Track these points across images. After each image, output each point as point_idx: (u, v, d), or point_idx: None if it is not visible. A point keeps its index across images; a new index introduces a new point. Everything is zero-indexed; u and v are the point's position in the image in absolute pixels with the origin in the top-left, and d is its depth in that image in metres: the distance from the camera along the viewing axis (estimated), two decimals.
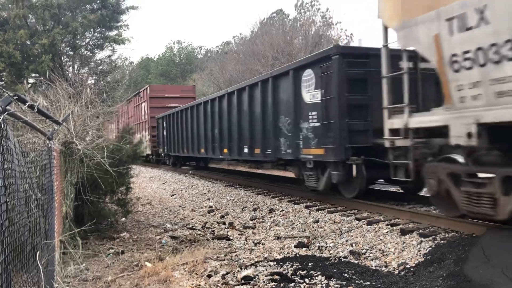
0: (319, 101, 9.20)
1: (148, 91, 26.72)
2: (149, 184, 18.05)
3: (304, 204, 9.81)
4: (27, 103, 2.34)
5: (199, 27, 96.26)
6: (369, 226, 7.34)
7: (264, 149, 11.71)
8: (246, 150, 12.82)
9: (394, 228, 6.98)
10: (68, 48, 15.25)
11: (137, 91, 30.09)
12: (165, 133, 23.68)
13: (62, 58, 14.70)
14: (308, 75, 9.58)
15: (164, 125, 23.76)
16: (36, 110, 2.62)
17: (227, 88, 14.68)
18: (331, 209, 9.05)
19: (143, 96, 28.16)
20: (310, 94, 9.51)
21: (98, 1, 15.40)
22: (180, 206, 11.99)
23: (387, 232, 6.86)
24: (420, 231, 6.52)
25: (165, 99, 26.14)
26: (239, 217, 9.88)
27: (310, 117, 9.50)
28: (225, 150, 14.45)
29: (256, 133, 12.27)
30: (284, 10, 42.48)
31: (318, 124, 9.25)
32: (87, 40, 15.84)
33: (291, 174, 16.89)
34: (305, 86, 9.72)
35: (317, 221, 8.28)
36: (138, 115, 29.87)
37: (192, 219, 10.09)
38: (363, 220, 7.72)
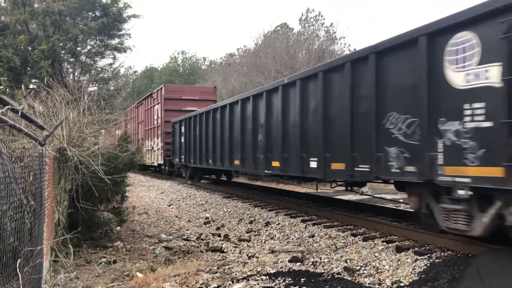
0: (495, 84, 5.34)
1: (163, 91, 23.13)
2: (147, 193, 17.96)
3: (301, 218, 9.73)
4: (8, 107, 2.30)
5: (204, 38, 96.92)
6: (364, 242, 7.25)
7: (353, 164, 7.83)
8: (314, 164, 9.07)
9: (390, 245, 6.90)
10: (68, 55, 15.29)
11: (150, 93, 26.83)
12: (182, 140, 19.99)
13: (62, 64, 14.72)
14: (462, 42, 5.78)
15: (182, 130, 19.98)
16: (19, 114, 2.58)
17: (283, 78, 11.05)
18: (328, 223, 8.97)
19: (156, 98, 24.81)
20: (467, 74, 5.70)
21: (100, 9, 15.46)
22: (176, 217, 11.89)
23: (382, 248, 6.78)
24: (416, 249, 6.43)
25: (182, 101, 22.76)
26: (235, 229, 9.79)
27: (467, 112, 5.67)
28: (276, 163, 10.72)
29: (334, 139, 8.50)
30: (289, 24, 42.79)
31: (488, 124, 5.43)
32: (88, 47, 15.89)
33: (291, 188, 16.84)
34: (452, 61, 5.91)
35: (312, 236, 8.20)
36: (150, 120, 26.50)
37: (188, 230, 10.00)
38: (359, 236, 7.64)
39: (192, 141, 18.22)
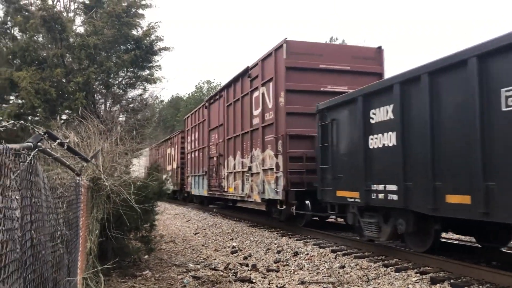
0: None
1: (284, 53, 12.08)
2: (173, 221, 18.03)
3: (330, 248, 9.57)
4: (57, 141, 2.40)
5: (229, 68, 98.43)
6: (397, 274, 7.08)
7: None
8: None
9: (424, 276, 6.71)
10: (101, 86, 15.79)
11: (245, 68, 14.72)
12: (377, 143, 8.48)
13: (95, 95, 15.22)
14: None
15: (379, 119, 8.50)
16: (66, 148, 2.68)
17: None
18: (358, 254, 8.80)
19: (263, 72, 13.42)
20: None
21: (133, 42, 15.99)
22: (203, 245, 11.87)
23: (416, 280, 6.60)
24: (452, 280, 6.24)
25: (318, 74, 12.38)
26: (263, 259, 9.69)
27: None
28: None
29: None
30: None
31: None
32: (120, 79, 16.39)
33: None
34: None
35: (343, 267, 8.04)
36: (241, 119, 15.14)
37: (215, 259, 9.96)
38: (391, 267, 7.46)
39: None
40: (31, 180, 2.23)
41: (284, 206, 11.69)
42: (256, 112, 13.87)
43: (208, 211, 20.73)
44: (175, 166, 28.40)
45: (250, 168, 14.04)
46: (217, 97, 18.48)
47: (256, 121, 13.86)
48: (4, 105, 15.49)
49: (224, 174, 16.89)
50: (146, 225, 8.76)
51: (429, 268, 7.16)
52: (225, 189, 16.77)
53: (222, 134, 17.42)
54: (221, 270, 8.72)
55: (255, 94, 13.94)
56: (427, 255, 7.71)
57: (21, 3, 15.39)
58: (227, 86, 17.11)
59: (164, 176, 13.74)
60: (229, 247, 11.42)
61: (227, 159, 16.61)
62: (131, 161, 8.69)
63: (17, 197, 2.01)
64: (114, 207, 7.10)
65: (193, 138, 23.02)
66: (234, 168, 15.72)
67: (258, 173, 13.39)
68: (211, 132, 19.28)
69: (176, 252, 10.75)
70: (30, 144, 2.23)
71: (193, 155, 22.80)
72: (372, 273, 7.38)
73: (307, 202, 11.44)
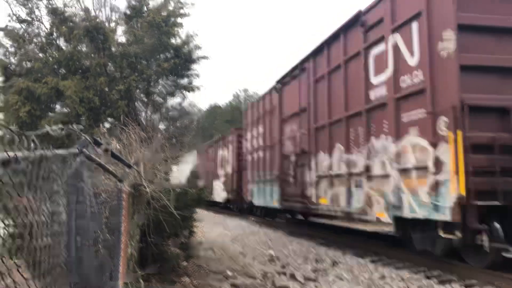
0: None
1: None
2: (212, 228, 18.13)
3: (370, 258, 9.37)
4: (102, 147, 2.45)
5: (266, 76, 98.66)
6: (441, 286, 6.83)
7: None
8: None
9: None
10: (142, 94, 16.17)
11: (354, 15, 10.11)
12: None
13: (136, 103, 15.60)
14: None
15: None
16: (110, 154, 2.74)
17: None
18: (399, 264, 8.56)
19: (403, 3, 8.48)
20: None
21: (172, 51, 16.29)
22: (241, 253, 11.86)
23: None
24: None
25: None
26: (301, 268, 9.58)
27: None
28: None
29: None
30: None
31: None
32: (160, 87, 16.74)
33: (355, 225, 16.34)
34: None
35: (383, 277, 7.84)
36: (343, 94, 10.73)
37: (253, 267, 9.92)
38: (434, 279, 7.22)
39: None
40: (77, 186, 2.27)
41: (458, 233, 6.84)
42: (377, 79, 9.24)
43: (245, 218, 20.66)
44: (229, 170, 24.22)
45: (368, 169, 9.36)
46: (296, 72, 13.73)
47: (378, 93, 9.23)
48: (50, 113, 16.05)
49: (311, 179, 12.30)
50: (185, 232, 8.83)
51: (474, 281, 6.88)
52: (314, 200, 12.07)
53: (305, 122, 12.76)
54: (259, 279, 8.68)
55: (376, 50, 9.35)
56: (472, 267, 7.40)
57: (66, 14, 15.98)
58: (316, 53, 12.29)
59: (201, 183, 13.74)
60: (266, 255, 11.36)
61: (316, 157, 12.02)
62: (171, 168, 8.80)
63: (63, 202, 2.06)
64: (154, 213, 7.20)
65: (255, 134, 18.45)
66: (330, 169, 11.13)
67: (387, 176, 8.65)
68: (284, 123, 14.73)
69: (214, 260, 10.78)
70: (76, 150, 2.28)
71: (255, 156, 18.36)
72: (414, 285, 7.16)
73: (496, 225, 6.75)
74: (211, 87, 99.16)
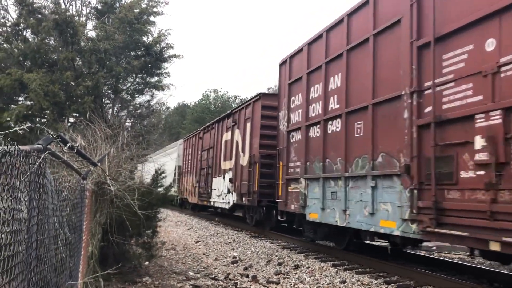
0: None
1: None
2: (175, 228, 17.99)
3: (332, 262, 9.52)
4: (68, 144, 2.41)
5: (236, 77, 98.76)
6: None
7: None
8: None
9: None
10: (110, 91, 15.91)
11: None
12: None
13: (103, 100, 15.33)
14: None
15: None
16: (75, 151, 2.70)
17: None
18: (360, 269, 8.74)
19: None
20: None
21: (143, 49, 16.14)
22: (204, 254, 11.82)
23: None
24: None
25: None
26: (263, 270, 9.64)
27: None
28: None
29: None
30: None
31: None
32: (129, 84, 16.51)
33: None
34: None
35: (344, 282, 7.99)
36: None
37: (215, 268, 9.91)
38: (393, 284, 7.41)
39: None
40: (40, 182, 2.24)
41: None
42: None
43: (209, 219, 20.58)
44: (244, 161, 15.50)
45: None
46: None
47: None
48: (13, 105, 15.59)
49: None
50: (148, 231, 8.74)
51: (430, 286, 7.10)
52: None
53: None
54: (221, 280, 8.68)
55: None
56: (429, 273, 7.64)
57: (35, 5, 15.57)
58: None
59: (169, 182, 13.33)
60: (229, 257, 11.36)
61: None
62: (135, 166, 8.70)
63: (25, 199, 2.02)
64: (117, 212, 7.10)
65: (314, 95, 10.45)
66: None
67: None
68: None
69: (177, 260, 10.71)
70: (40, 146, 2.24)
71: (313, 134, 10.42)
72: None
73: None
74: (181, 86, 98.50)
